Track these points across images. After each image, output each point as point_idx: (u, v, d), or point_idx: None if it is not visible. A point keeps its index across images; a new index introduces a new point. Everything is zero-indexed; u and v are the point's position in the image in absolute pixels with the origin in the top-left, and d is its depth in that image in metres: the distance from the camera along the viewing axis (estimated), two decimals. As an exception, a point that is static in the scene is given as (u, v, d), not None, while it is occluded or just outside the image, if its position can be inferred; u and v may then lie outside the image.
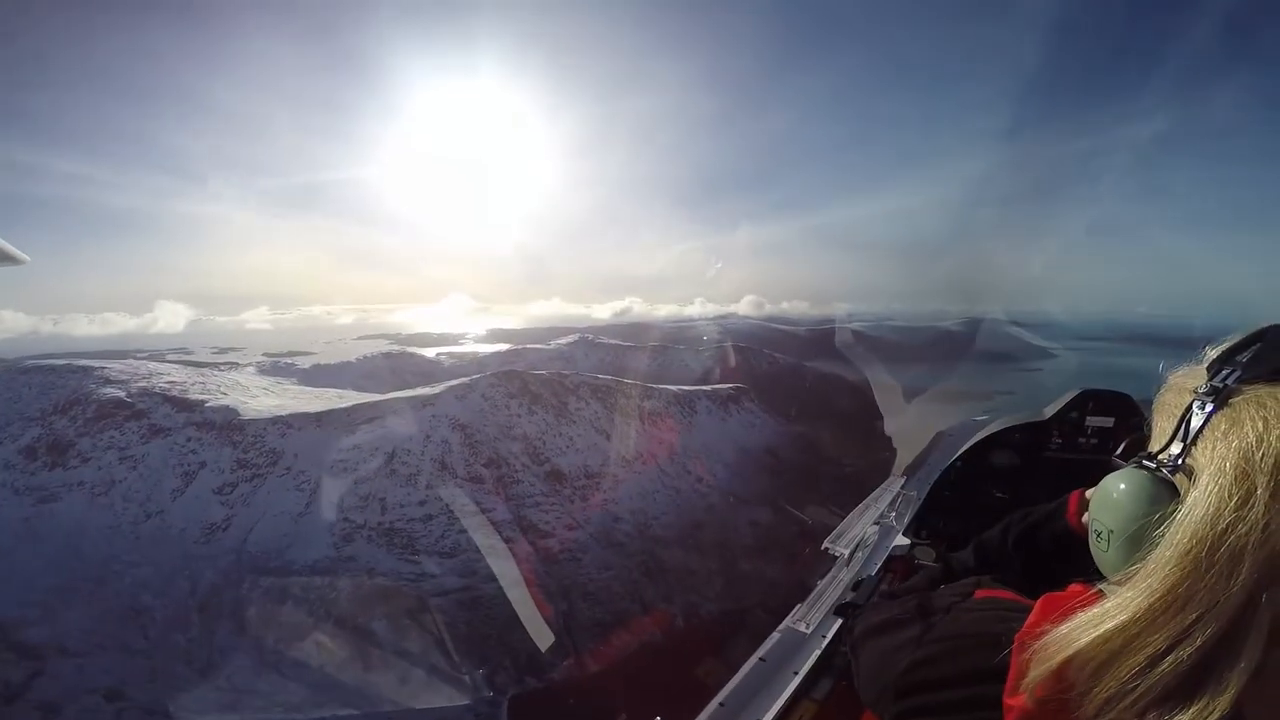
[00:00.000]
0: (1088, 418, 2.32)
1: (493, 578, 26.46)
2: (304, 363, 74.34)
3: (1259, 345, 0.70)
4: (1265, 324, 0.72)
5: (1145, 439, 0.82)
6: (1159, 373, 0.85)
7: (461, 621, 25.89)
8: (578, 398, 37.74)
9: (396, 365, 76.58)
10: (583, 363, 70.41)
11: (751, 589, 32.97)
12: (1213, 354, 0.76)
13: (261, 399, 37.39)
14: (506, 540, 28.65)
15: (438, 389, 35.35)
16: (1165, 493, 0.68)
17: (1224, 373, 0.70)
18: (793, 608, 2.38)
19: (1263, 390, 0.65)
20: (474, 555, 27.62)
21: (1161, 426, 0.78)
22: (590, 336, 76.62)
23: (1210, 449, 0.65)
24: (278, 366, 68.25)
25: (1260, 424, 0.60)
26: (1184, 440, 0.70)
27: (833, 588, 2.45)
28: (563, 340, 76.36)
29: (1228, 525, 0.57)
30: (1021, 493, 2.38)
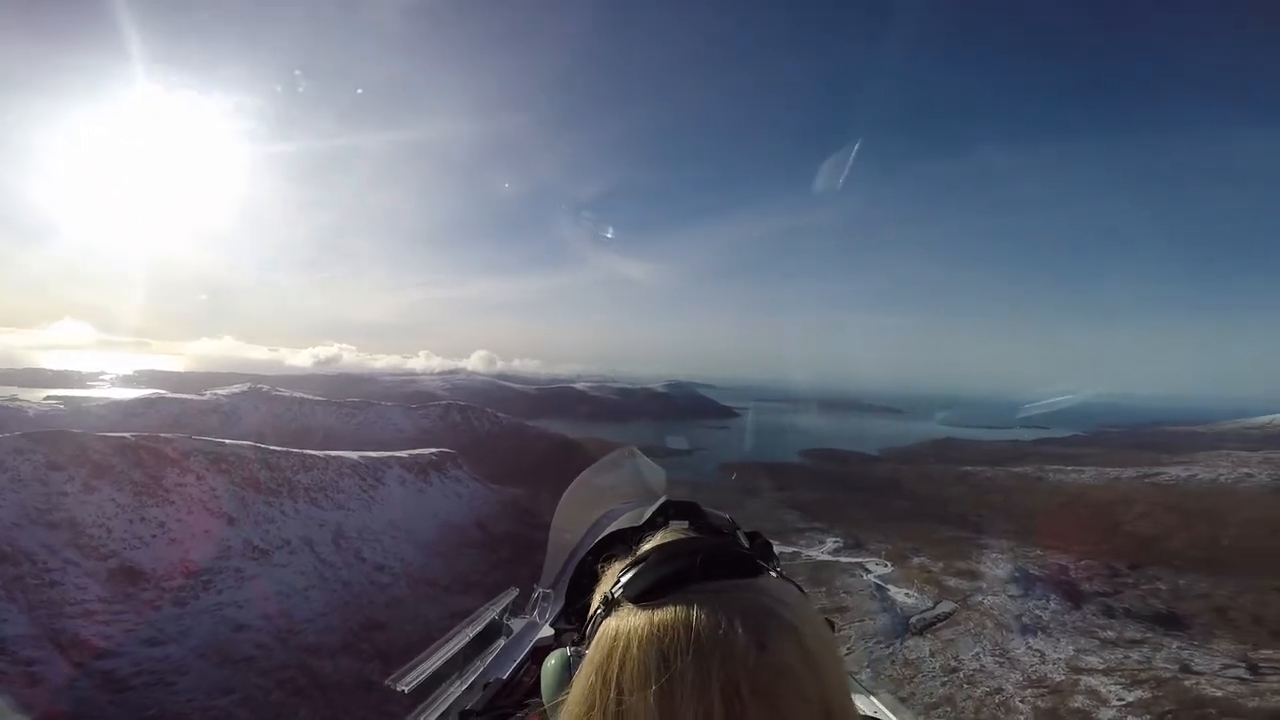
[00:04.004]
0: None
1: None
2: None
3: (640, 567, 0.81)
4: (659, 547, 0.85)
5: (588, 607, 0.91)
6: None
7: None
8: (182, 470, 27.37)
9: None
10: (248, 418, 55.51)
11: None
12: (619, 564, 0.87)
13: None
14: (29, 661, 21.16)
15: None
16: (568, 679, 0.81)
17: (616, 584, 0.81)
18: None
19: (626, 609, 0.77)
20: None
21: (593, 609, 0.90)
22: (265, 387, 61.47)
23: (593, 646, 0.78)
24: None
25: (612, 633, 0.75)
26: (587, 633, 0.83)
27: (456, 686, 2.45)
28: (224, 390, 59.61)
29: (585, 711, 0.72)
30: None
